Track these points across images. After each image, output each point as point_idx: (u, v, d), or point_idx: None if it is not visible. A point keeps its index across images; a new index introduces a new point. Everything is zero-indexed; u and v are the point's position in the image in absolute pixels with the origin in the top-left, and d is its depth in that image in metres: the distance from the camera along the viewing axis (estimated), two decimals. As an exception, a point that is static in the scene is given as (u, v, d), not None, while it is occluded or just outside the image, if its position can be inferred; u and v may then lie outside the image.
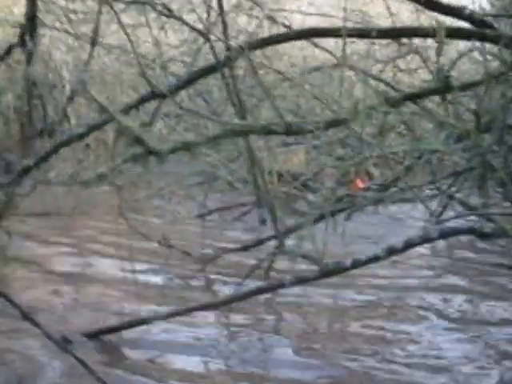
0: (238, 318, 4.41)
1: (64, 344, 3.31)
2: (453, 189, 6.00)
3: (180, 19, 3.94)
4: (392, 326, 4.46)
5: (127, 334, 3.95)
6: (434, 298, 5.00)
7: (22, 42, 4.11)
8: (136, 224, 4.95)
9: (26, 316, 3.10)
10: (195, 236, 6.26)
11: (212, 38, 4.24)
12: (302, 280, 3.95)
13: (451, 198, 6.10)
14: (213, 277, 5.24)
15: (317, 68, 7.48)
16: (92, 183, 2.86)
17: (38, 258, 5.39)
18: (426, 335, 4.25)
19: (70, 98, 4.36)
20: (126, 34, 4.24)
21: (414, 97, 2.94)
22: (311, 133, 2.64)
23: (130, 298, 4.63)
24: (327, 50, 6.73)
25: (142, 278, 4.76)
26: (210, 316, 4.41)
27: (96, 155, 5.14)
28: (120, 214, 5.02)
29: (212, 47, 3.59)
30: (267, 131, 2.62)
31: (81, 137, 3.28)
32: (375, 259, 4.02)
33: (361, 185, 7.18)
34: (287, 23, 5.79)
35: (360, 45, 7.11)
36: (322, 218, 4.85)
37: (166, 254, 5.22)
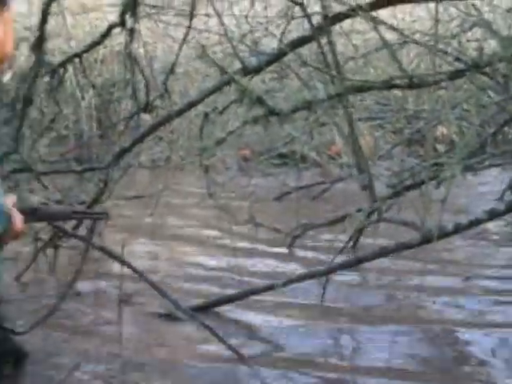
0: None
1: (191, 312, 3.35)
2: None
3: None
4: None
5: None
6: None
7: (122, 22, 4.15)
8: (223, 204, 5.02)
9: (154, 285, 3.15)
10: (279, 214, 6.30)
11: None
12: (404, 247, 3.93)
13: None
14: (302, 253, 5.23)
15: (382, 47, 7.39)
16: (210, 149, 2.88)
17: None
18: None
19: (171, 71, 4.39)
20: (215, 10, 4.28)
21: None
22: (435, 84, 2.61)
23: (227, 275, 4.68)
24: (394, 28, 6.61)
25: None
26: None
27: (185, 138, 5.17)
28: (209, 195, 5.10)
29: (307, 15, 3.58)
30: (390, 86, 2.61)
31: (194, 104, 3.30)
32: (477, 222, 3.98)
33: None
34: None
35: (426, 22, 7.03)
36: (413, 186, 4.83)
37: (254, 232, 5.30)
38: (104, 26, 4.61)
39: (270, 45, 4.79)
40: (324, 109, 2.81)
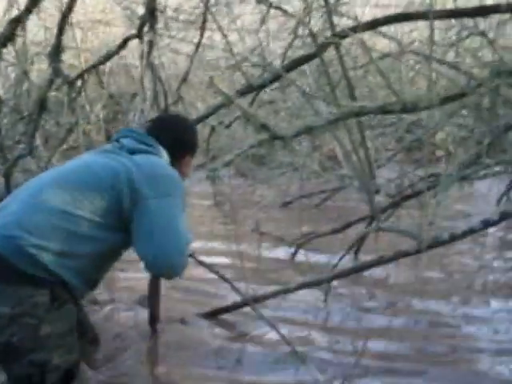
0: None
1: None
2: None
3: (279, 8, 4.16)
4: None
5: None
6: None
7: (139, 34, 4.44)
8: (230, 212, 5.22)
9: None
10: (282, 222, 6.47)
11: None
12: (403, 255, 4.10)
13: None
14: (305, 260, 5.39)
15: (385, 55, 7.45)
16: (219, 170, 3.08)
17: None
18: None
19: (183, 79, 4.69)
20: (220, 27, 4.49)
21: None
22: (427, 109, 2.81)
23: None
24: (393, 38, 6.74)
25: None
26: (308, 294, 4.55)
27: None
28: (216, 203, 5.33)
29: (312, 33, 3.76)
30: (384, 111, 2.81)
31: (201, 120, 3.59)
32: (471, 232, 4.15)
33: None
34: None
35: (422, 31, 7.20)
36: (412, 196, 5.03)
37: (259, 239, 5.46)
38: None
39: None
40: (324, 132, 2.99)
